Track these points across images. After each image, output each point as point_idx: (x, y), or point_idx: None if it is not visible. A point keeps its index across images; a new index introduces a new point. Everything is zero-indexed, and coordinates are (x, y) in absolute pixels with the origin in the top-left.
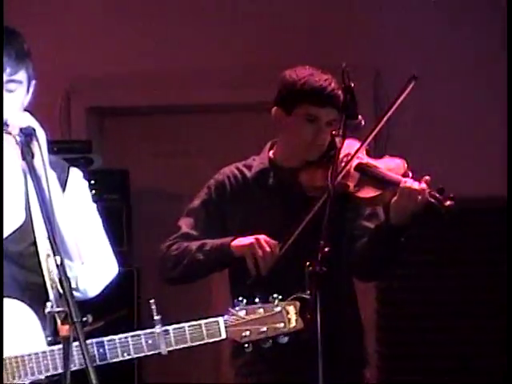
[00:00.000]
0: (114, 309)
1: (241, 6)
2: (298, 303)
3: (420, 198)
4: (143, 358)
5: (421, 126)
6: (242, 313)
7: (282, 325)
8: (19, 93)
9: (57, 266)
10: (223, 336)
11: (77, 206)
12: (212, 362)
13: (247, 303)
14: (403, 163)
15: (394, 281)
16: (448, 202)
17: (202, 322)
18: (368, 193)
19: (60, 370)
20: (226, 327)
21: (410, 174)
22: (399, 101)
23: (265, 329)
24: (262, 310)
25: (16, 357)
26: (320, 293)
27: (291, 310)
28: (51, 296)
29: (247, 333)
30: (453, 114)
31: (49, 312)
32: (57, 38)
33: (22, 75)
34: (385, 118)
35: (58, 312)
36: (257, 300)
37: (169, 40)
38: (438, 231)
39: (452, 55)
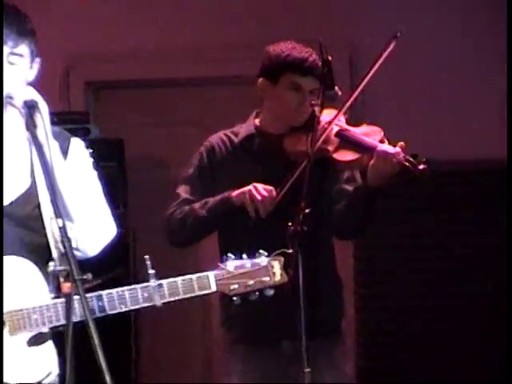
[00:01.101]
0: (112, 267)
1: None
2: (282, 258)
3: (395, 160)
4: (140, 310)
5: (398, 93)
6: (231, 267)
7: (267, 278)
8: (21, 66)
9: (59, 227)
10: (213, 289)
11: (78, 172)
12: (201, 312)
13: (235, 258)
14: (379, 130)
15: (369, 239)
16: (421, 166)
17: (194, 276)
18: (347, 156)
19: (62, 322)
20: (215, 280)
21: (386, 142)
22: (381, 59)
23: (252, 282)
24: (249, 265)
25: (21, 309)
26: (301, 250)
27: (276, 264)
28: (54, 255)
29: (235, 286)
30: (435, 79)
31: (52, 271)
32: (56, 16)
33: (23, 49)
34: (366, 78)
35: (61, 271)
36: (244, 256)
37: (162, 17)
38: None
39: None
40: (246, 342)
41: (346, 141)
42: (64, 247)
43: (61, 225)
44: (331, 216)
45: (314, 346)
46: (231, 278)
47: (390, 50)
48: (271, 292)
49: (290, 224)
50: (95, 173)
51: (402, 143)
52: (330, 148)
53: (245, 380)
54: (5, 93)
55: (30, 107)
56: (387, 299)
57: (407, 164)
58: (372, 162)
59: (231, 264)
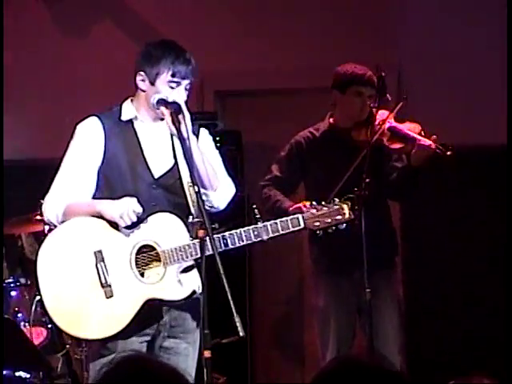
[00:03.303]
0: (233, 219)
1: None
2: (349, 202)
3: (430, 150)
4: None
5: (434, 92)
6: (313, 211)
7: (340, 217)
8: (189, 89)
9: (195, 192)
10: (302, 226)
11: (206, 152)
12: (295, 254)
13: (317, 205)
14: (418, 126)
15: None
16: (449, 152)
17: (288, 218)
18: (396, 145)
19: (199, 256)
20: (303, 220)
21: (423, 133)
22: (394, 112)
23: (329, 220)
24: (326, 208)
25: (171, 249)
26: (364, 208)
27: (345, 206)
28: (192, 211)
29: (317, 223)
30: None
31: (191, 222)
32: (194, 42)
33: (193, 80)
34: (394, 111)
35: (197, 222)
36: (323, 202)
37: (269, 42)
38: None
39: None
40: (329, 272)
41: (395, 134)
42: (198, 205)
43: (196, 190)
44: (386, 184)
45: (377, 274)
46: (314, 217)
47: (397, 109)
48: (343, 226)
49: (356, 189)
50: (217, 151)
51: (435, 136)
52: (384, 139)
53: (328, 298)
54: (158, 97)
55: (176, 109)
56: (426, 242)
57: (438, 151)
58: (414, 150)
59: (313, 208)
